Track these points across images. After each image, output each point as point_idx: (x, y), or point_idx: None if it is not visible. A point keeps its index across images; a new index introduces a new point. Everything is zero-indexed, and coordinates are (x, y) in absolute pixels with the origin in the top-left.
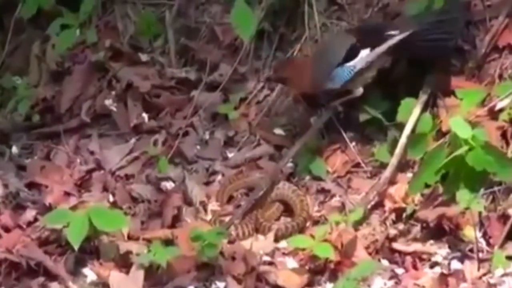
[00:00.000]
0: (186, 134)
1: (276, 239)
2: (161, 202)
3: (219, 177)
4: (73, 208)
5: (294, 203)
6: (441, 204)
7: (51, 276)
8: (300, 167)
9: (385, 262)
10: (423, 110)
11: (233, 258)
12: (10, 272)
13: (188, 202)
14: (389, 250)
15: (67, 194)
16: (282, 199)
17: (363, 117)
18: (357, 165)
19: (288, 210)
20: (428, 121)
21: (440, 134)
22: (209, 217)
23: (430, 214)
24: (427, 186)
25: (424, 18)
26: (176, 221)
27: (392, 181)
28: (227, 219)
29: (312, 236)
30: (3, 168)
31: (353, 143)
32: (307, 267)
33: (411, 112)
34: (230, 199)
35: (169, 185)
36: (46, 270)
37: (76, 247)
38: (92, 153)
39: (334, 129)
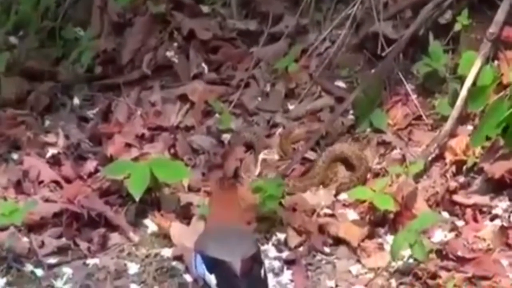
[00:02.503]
0: (247, 86)
1: (338, 192)
2: (223, 154)
3: (280, 129)
4: (135, 159)
5: (351, 157)
6: (502, 157)
7: (112, 227)
8: (361, 119)
9: (445, 215)
10: (484, 62)
11: (294, 210)
12: (71, 222)
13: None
14: (450, 203)
15: (128, 145)
16: (341, 156)
17: (424, 69)
18: (418, 117)
19: (348, 165)
20: (489, 73)
21: (501, 86)
22: (258, 169)
23: (490, 167)
24: (488, 138)
25: None
26: (237, 173)
27: (452, 134)
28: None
29: (373, 189)
30: (64, 119)
31: (414, 96)
32: (367, 219)
33: (472, 65)
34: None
35: (230, 136)
36: (107, 221)
37: (137, 198)
38: (153, 104)
39: (395, 82)
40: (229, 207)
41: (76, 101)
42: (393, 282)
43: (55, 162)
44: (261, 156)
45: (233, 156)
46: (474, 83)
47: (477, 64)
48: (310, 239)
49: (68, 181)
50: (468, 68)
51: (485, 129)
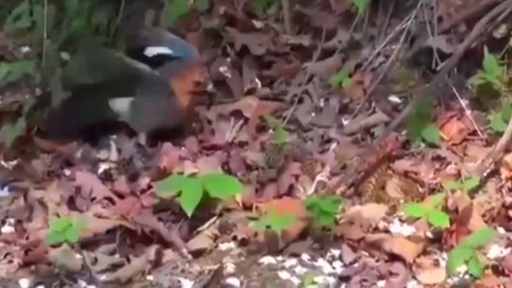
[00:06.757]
0: (300, 101)
1: (391, 211)
2: (278, 169)
3: (334, 145)
4: (188, 176)
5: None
6: None
7: (165, 244)
8: (413, 133)
9: (501, 230)
10: None
11: (350, 224)
12: (125, 239)
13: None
14: (505, 218)
15: (182, 158)
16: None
17: (478, 82)
18: (473, 132)
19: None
20: None
21: None
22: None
23: None
24: None
25: None
26: (292, 188)
27: (508, 149)
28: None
29: (428, 205)
30: (116, 134)
31: (469, 111)
32: (422, 235)
33: None
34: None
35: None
36: (160, 238)
37: (189, 214)
38: (209, 121)
39: (450, 96)
40: None
41: None
42: None
43: (107, 178)
44: (318, 177)
45: (288, 171)
46: None
47: None
48: (364, 255)
49: (121, 197)
50: None
51: None
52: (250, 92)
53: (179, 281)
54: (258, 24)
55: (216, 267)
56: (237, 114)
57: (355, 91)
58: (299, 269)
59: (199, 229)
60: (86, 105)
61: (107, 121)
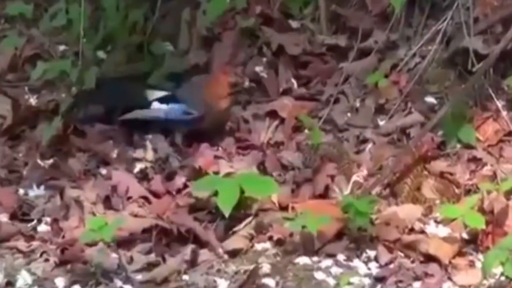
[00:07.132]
0: (336, 101)
1: (427, 212)
2: (314, 169)
3: (370, 145)
4: (224, 176)
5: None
6: None
7: (201, 243)
8: (448, 134)
9: None
10: None
11: (387, 224)
12: (161, 238)
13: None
14: None
15: (217, 158)
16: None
17: None
18: (509, 133)
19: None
20: None
21: None
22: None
23: None
24: None
25: None
26: (328, 189)
27: None
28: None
29: (464, 206)
30: (152, 133)
31: (505, 112)
32: (458, 236)
33: None
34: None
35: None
36: (196, 237)
37: (226, 214)
38: (246, 121)
39: (485, 97)
40: None
41: None
42: None
43: (143, 177)
44: (354, 177)
45: (324, 172)
46: None
47: None
48: (400, 256)
49: (157, 196)
50: None
51: None
52: (286, 92)
53: (214, 281)
54: (294, 24)
55: (251, 267)
56: (273, 114)
57: (391, 91)
58: (334, 270)
59: (235, 229)
60: (122, 91)
61: (140, 107)
